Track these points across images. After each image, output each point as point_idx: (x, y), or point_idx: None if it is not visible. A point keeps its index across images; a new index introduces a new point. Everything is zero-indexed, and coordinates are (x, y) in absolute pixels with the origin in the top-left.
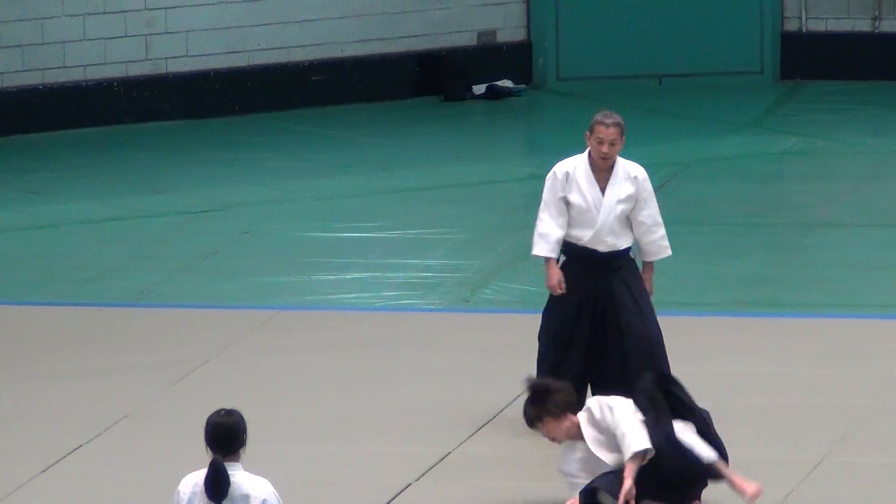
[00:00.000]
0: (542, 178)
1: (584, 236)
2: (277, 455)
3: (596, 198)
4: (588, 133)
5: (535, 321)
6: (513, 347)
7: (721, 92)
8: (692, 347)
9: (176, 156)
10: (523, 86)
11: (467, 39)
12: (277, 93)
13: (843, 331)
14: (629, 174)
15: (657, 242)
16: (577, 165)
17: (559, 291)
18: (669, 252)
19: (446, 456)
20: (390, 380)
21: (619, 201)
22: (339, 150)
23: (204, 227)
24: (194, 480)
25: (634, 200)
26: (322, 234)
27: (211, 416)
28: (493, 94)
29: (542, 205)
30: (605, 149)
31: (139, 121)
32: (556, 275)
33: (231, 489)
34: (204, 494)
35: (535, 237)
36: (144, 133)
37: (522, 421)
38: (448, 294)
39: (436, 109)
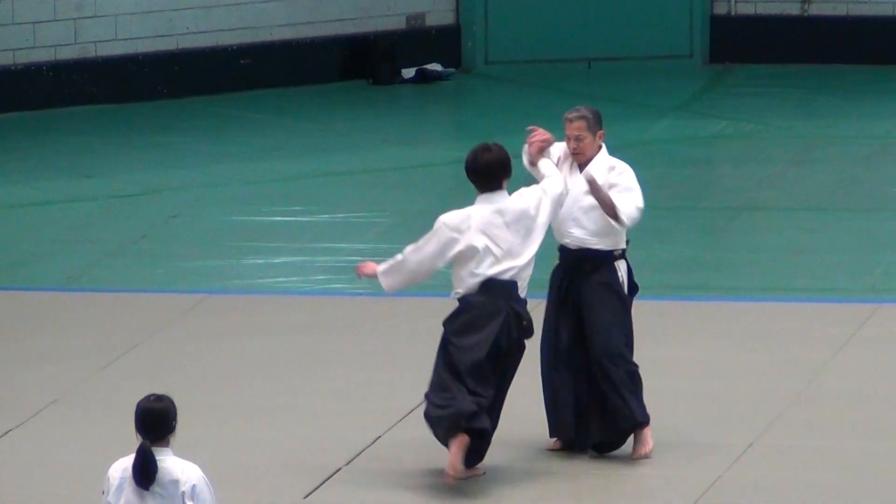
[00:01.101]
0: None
1: (557, 231)
2: (207, 440)
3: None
4: None
5: None
6: (440, 331)
7: (650, 76)
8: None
9: (105, 140)
10: (452, 69)
11: (396, 23)
12: (206, 77)
13: (773, 314)
14: (607, 165)
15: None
16: (566, 154)
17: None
18: (622, 210)
19: (376, 440)
20: (320, 364)
21: (586, 193)
22: (267, 134)
23: (133, 212)
24: (123, 466)
25: (606, 188)
26: (251, 218)
27: (140, 402)
28: (422, 77)
29: None
30: (572, 144)
31: (68, 105)
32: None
33: (160, 474)
34: (132, 480)
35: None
36: (73, 117)
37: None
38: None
39: (364, 93)
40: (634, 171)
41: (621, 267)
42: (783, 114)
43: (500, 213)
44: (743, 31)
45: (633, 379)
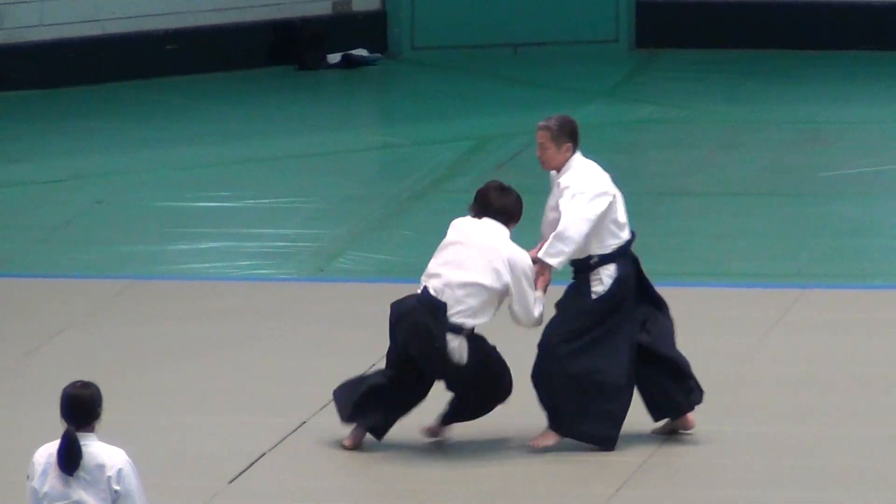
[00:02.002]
0: (396, 148)
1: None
2: (134, 426)
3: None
4: None
5: (390, 290)
6: (367, 317)
7: (576, 61)
8: (546, 319)
9: (31, 125)
10: (378, 55)
11: (322, 9)
12: (132, 62)
13: (698, 299)
14: (569, 179)
15: (548, 245)
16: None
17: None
18: (551, 262)
19: (301, 425)
20: (246, 350)
21: (551, 209)
22: (193, 120)
23: (59, 197)
24: (49, 451)
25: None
26: (176, 204)
27: (67, 388)
28: (348, 63)
29: None
30: (538, 153)
31: None
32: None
33: (85, 460)
34: (57, 465)
35: None
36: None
37: None
38: (303, 264)
39: (291, 79)
40: None
41: (603, 272)
42: (710, 99)
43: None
44: (669, 16)
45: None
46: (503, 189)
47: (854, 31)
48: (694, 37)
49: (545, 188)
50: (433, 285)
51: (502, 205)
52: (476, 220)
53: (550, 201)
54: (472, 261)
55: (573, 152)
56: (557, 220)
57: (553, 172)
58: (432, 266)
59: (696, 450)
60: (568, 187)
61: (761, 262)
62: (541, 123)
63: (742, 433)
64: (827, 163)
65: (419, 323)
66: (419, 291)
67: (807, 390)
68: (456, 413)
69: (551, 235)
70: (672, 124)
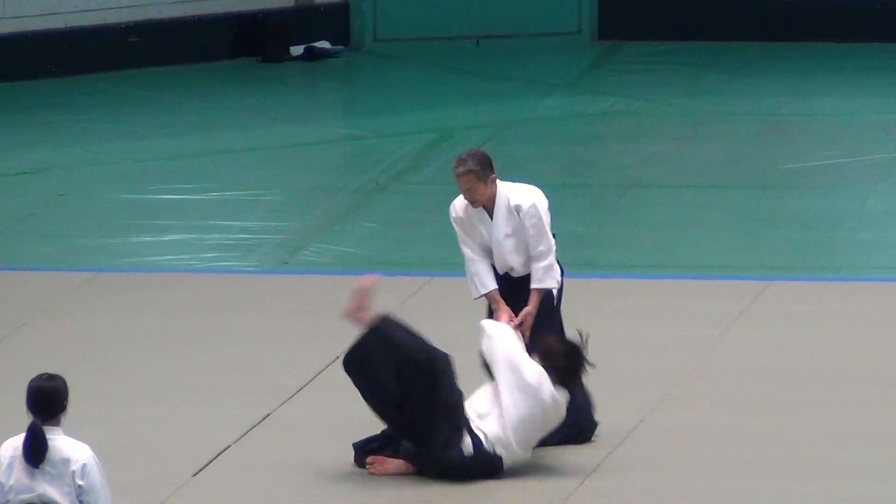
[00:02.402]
0: (359, 140)
1: (496, 264)
2: (96, 418)
3: (490, 233)
4: None
5: (353, 282)
6: (331, 309)
7: (539, 53)
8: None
9: None
10: (341, 47)
11: (284, 1)
12: (95, 55)
13: (660, 291)
14: (511, 207)
15: (539, 271)
16: (463, 206)
17: (512, 326)
18: (553, 284)
19: (265, 418)
20: (210, 342)
21: (507, 236)
22: (156, 112)
23: (21, 189)
24: (14, 445)
25: (521, 231)
26: (139, 196)
27: (33, 380)
28: (311, 55)
29: (460, 241)
30: (467, 197)
31: None
32: (506, 311)
33: (51, 453)
34: (22, 459)
35: (469, 279)
36: None
37: (341, 383)
38: (266, 256)
39: (253, 71)
40: (523, 148)
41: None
42: (672, 90)
43: None
44: (631, 8)
45: None
46: None
47: (818, 22)
48: (656, 28)
49: (515, 179)
50: None
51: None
52: None
53: (504, 230)
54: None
55: (495, 178)
56: (517, 246)
57: (462, 213)
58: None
59: (659, 443)
60: (528, 211)
61: (724, 254)
62: (460, 170)
63: (705, 425)
64: (790, 155)
65: None
66: None
67: (770, 382)
68: None
69: (540, 267)
70: (634, 116)
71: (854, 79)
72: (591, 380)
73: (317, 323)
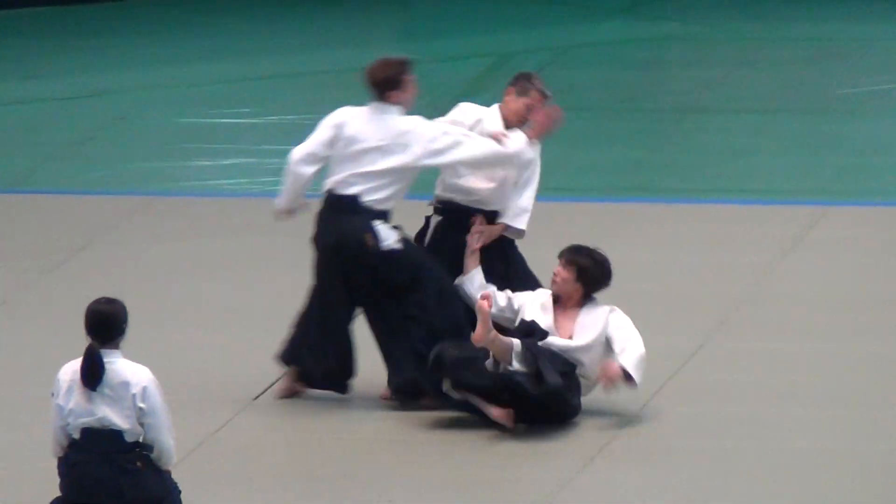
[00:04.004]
0: (417, 64)
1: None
2: (154, 343)
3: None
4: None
5: (408, 204)
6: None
7: None
8: (566, 233)
9: (47, 42)
10: None
11: None
12: None
13: (717, 216)
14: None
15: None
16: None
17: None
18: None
19: None
20: (268, 265)
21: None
22: (212, 36)
23: (78, 113)
24: (73, 368)
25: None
26: (196, 120)
27: (91, 304)
28: None
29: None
30: (522, 116)
31: (8, 7)
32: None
33: (110, 377)
34: (81, 382)
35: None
36: (15, 19)
37: None
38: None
39: None
40: (580, 72)
41: None
42: (729, 16)
43: None
44: None
45: None
46: None
47: None
48: None
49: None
50: None
51: None
52: None
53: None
54: None
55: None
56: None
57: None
58: None
59: (719, 368)
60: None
61: (781, 180)
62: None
63: (762, 350)
64: (846, 80)
65: None
66: None
67: (826, 307)
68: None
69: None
70: (691, 41)
71: None
72: (650, 303)
73: None
